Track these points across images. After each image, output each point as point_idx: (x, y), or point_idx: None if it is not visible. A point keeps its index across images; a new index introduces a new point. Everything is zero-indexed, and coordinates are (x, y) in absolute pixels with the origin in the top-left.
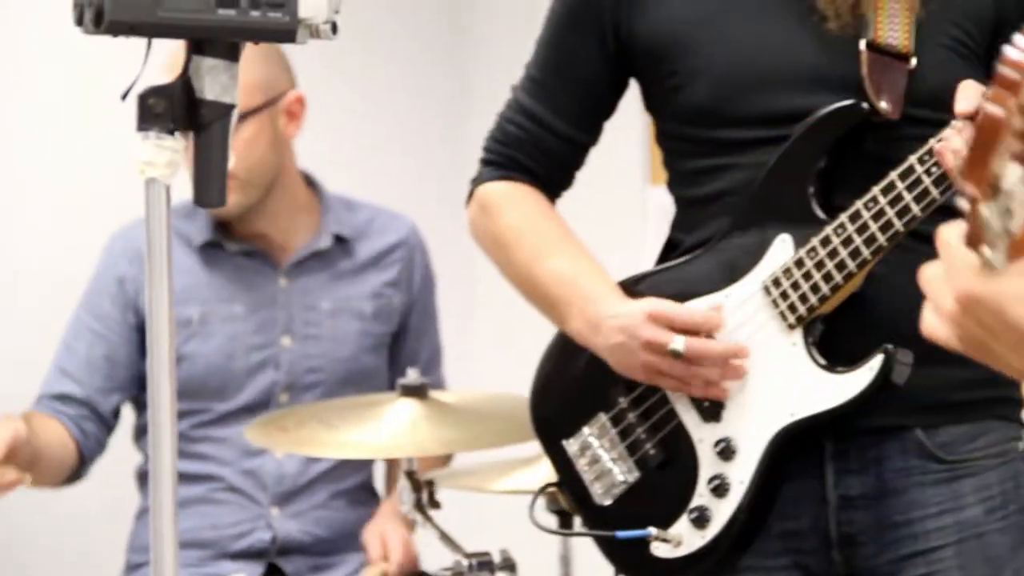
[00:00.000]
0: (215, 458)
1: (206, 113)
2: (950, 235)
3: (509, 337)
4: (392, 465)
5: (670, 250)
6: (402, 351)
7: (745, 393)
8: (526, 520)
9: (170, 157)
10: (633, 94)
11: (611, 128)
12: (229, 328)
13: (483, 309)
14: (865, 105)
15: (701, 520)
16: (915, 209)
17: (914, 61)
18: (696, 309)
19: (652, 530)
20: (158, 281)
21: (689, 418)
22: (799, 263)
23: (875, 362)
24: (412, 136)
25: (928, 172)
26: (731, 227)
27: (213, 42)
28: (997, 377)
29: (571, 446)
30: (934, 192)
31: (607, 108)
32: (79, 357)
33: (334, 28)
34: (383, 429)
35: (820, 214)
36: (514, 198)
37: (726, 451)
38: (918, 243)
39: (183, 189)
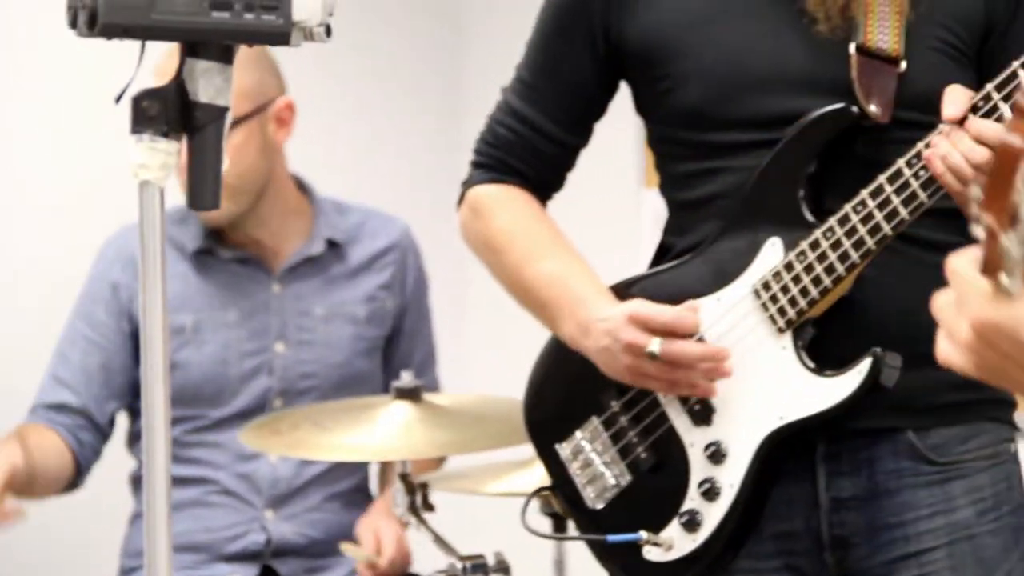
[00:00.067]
0: (209, 462)
1: (200, 116)
2: (959, 263)
3: (502, 339)
4: (386, 466)
5: (662, 254)
6: (396, 354)
7: (735, 396)
8: (520, 523)
9: (164, 160)
10: (628, 96)
11: (605, 130)
12: (222, 335)
13: (476, 311)
14: (855, 109)
15: (692, 524)
16: (903, 213)
17: (904, 65)
18: (669, 310)
19: (643, 534)
20: (151, 283)
21: (680, 422)
22: (788, 267)
23: (864, 365)
24: (405, 139)
25: (916, 176)
26: (722, 231)
27: (207, 45)
28: None
29: (564, 450)
30: (922, 196)
31: (597, 110)
32: (74, 366)
33: (328, 31)
34: (377, 432)
35: (809, 217)
36: (505, 201)
37: (716, 455)
38: (907, 246)
39: (175, 194)
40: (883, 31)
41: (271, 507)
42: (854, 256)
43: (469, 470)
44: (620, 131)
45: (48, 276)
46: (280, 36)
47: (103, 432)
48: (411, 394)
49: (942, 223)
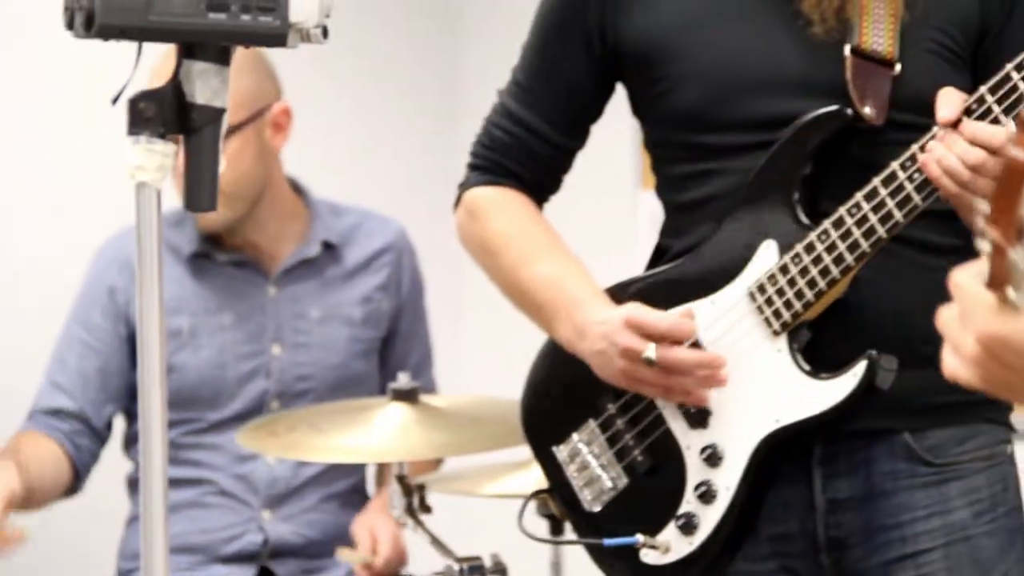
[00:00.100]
0: (207, 464)
1: (197, 117)
2: (962, 278)
3: (498, 341)
4: (383, 467)
5: (659, 256)
6: (391, 355)
7: (731, 400)
8: (517, 524)
9: (160, 161)
10: (624, 98)
11: (602, 132)
12: (219, 338)
13: (472, 313)
14: (849, 111)
15: (688, 527)
16: (898, 215)
17: (898, 67)
18: (666, 316)
19: (639, 537)
20: (148, 283)
21: (676, 425)
22: (784, 269)
23: (859, 368)
24: (402, 140)
25: (910, 178)
26: (718, 233)
27: (204, 46)
28: None
29: (561, 452)
30: (916, 198)
31: (594, 112)
32: (71, 370)
33: (325, 32)
34: (374, 433)
35: (804, 220)
36: (501, 203)
37: (712, 457)
38: (902, 247)
39: (170, 197)
40: (878, 33)
41: (268, 507)
42: (849, 259)
43: (466, 471)
44: (617, 133)
45: (48, 276)
46: (277, 37)
47: (100, 436)
48: (408, 396)
49: (937, 224)
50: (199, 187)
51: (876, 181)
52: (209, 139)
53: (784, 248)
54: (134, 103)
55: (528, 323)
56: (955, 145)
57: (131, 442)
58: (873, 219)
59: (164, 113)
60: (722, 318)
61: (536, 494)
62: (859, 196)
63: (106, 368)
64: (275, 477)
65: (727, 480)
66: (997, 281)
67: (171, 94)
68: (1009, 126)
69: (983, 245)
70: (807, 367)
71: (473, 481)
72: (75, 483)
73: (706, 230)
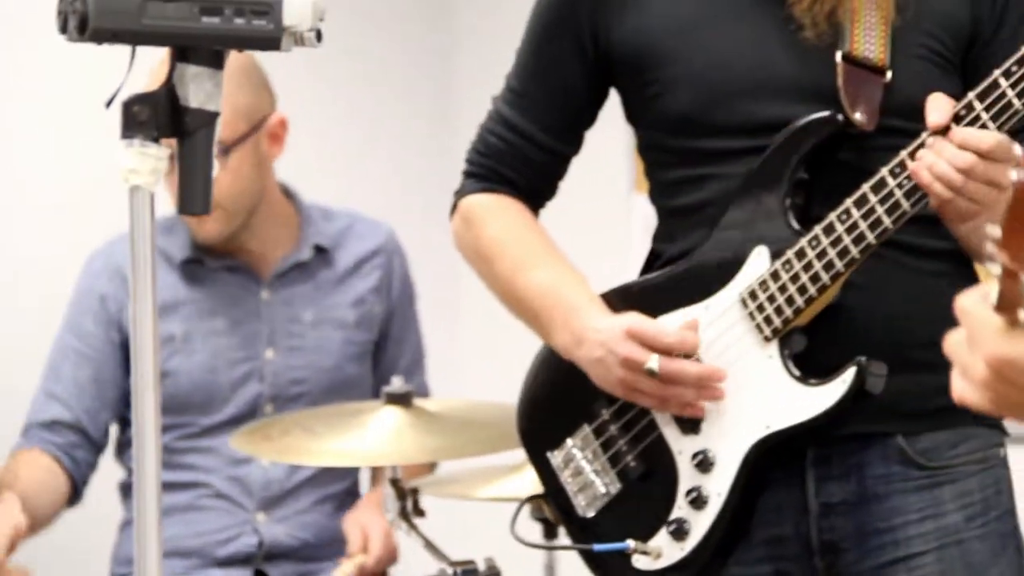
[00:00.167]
0: (201, 467)
1: (190, 121)
2: (968, 302)
3: (493, 345)
4: (377, 470)
5: (652, 261)
6: (383, 359)
7: (723, 405)
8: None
9: (154, 165)
10: (618, 103)
11: (596, 136)
12: (212, 343)
13: (468, 317)
14: (840, 116)
15: (680, 532)
16: (887, 221)
17: (889, 75)
18: (671, 330)
19: (630, 543)
20: (142, 286)
21: (669, 430)
22: (775, 275)
23: (848, 375)
24: (396, 144)
25: (900, 185)
26: (710, 239)
27: (197, 50)
28: None
29: (555, 458)
30: (905, 204)
31: (588, 118)
32: (66, 379)
33: (318, 36)
34: (368, 437)
35: (795, 225)
36: (496, 210)
37: (704, 463)
38: (893, 251)
39: (162, 204)
40: (869, 40)
41: (263, 510)
42: (839, 265)
43: (460, 475)
44: (610, 138)
45: (48, 276)
46: (271, 41)
47: (97, 445)
48: (402, 399)
49: (927, 229)
50: (192, 190)
51: (866, 188)
52: (202, 143)
53: (775, 254)
54: (128, 106)
55: (523, 328)
56: (944, 151)
57: (124, 448)
58: (863, 225)
59: (158, 117)
60: (714, 324)
61: (530, 499)
62: (849, 202)
63: (100, 376)
64: (269, 479)
65: (718, 486)
66: (1007, 304)
67: (165, 98)
68: (1015, 149)
69: (993, 268)
70: (797, 373)
71: (467, 485)
72: (74, 496)
73: (699, 235)
